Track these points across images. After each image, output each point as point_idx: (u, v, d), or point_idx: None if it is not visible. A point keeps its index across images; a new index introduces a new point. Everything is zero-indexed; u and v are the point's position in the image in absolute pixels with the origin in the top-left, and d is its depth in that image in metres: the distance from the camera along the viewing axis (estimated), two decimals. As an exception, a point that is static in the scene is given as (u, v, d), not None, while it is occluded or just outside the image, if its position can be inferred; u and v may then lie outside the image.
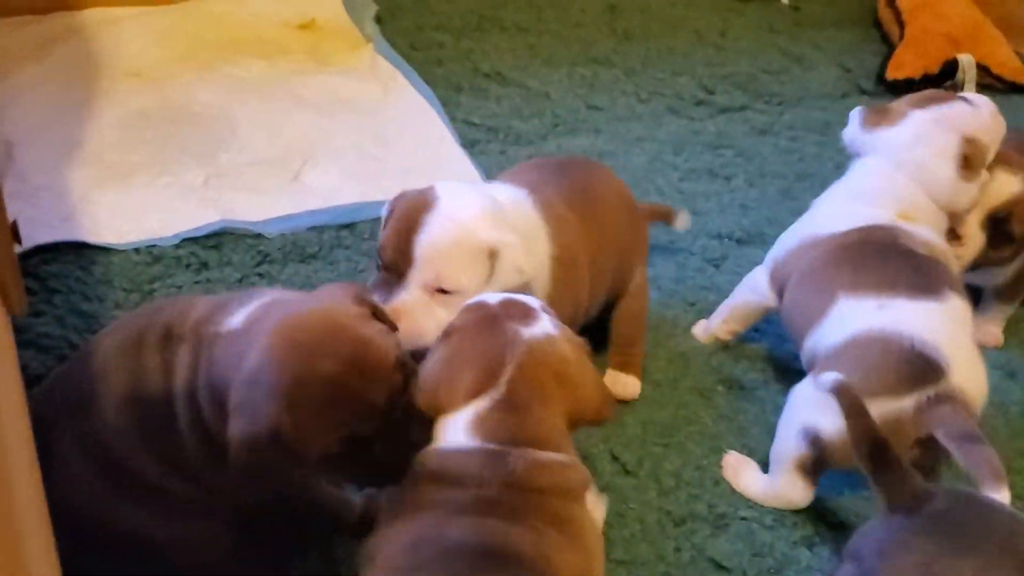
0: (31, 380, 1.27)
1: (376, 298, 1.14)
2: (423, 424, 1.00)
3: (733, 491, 1.39)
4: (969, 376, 1.26)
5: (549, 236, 1.32)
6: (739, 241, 1.91)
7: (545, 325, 1.02)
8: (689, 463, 1.42)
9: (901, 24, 2.67)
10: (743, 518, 1.35)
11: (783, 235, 1.58)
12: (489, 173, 1.97)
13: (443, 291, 1.19)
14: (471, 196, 1.25)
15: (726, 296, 1.68)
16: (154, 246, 1.64)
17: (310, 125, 2.02)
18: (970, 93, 1.59)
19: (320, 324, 0.97)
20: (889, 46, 2.73)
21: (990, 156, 1.51)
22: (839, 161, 2.16)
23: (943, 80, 2.56)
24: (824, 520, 1.36)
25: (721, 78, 2.50)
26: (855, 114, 1.58)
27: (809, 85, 2.53)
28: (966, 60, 2.55)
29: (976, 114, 1.51)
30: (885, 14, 2.82)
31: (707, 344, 1.64)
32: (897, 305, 1.32)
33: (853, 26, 2.90)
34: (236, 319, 1.01)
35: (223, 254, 1.65)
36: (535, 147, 2.12)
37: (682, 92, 2.42)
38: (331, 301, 1.02)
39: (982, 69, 2.59)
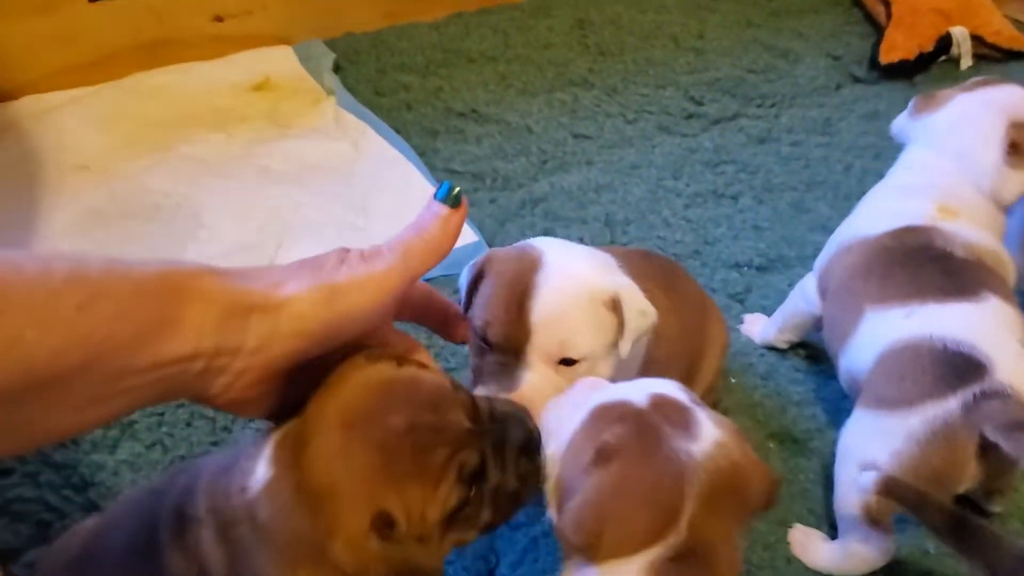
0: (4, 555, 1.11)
1: (493, 388, 1.00)
2: (522, 430, 0.86)
3: (807, 569, 1.24)
4: (1021, 372, 1.11)
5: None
6: (759, 268, 1.75)
7: (708, 428, 0.83)
8: (756, 543, 1.26)
9: (886, 3, 2.53)
10: (828, 601, 1.20)
11: (830, 238, 1.46)
12: (483, 226, 1.82)
13: (568, 361, 1.02)
14: (575, 248, 1.10)
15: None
16: (128, 368, 1.46)
17: (280, 200, 1.85)
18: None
19: (356, 390, 0.81)
20: (874, 26, 2.60)
21: None
22: (848, 162, 2.04)
23: (938, 57, 2.43)
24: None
25: (707, 85, 2.35)
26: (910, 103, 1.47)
27: (800, 80, 2.38)
28: (960, 33, 2.42)
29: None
30: (867, -8, 2.68)
31: (749, 395, 1.49)
32: (925, 311, 1.19)
33: (833, 8, 2.76)
34: (257, 473, 0.81)
35: (205, 368, 1.47)
36: (526, 189, 1.96)
37: (670, 107, 2.26)
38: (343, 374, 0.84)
39: (977, 40, 2.46)
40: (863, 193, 1.93)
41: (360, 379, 0.82)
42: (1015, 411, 1.08)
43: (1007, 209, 1.37)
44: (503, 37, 2.56)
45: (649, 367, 1.17)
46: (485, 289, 1.05)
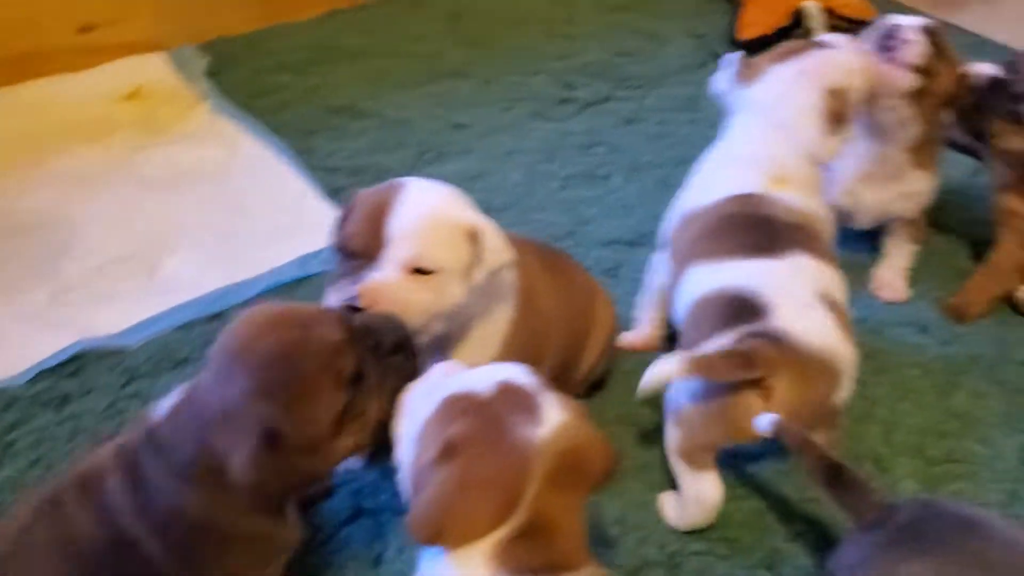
0: None
1: (343, 286, 1.08)
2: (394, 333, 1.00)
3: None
4: (801, 325, 1.19)
5: (515, 266, 1.22)
6: (630, 244, 1.84)
7: (551, 412, 0.89)
8: (631, 505, 1.34)
9: (745, -20, 2.64)
10: (695, 552, 1.28)
11: (671, 210, 1.52)
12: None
13: (421, 271, 1.08)
14: (439, 185, 1.18)
15: (630, 306, 1.62)
16: (3, 389, 1.47)
17: (158, 209, 1.85)
18: (829, 35, 1.55)
19: (239, 330, 0.94)
20: (736, 5, 2.71)
21: (860, 96, 1.49)
22: (712, 137, 2.13)
23: (794, 29, 2.55)
24: (779, 537, 1.31)
25: (578, 70, 2.42)
26: (725, 64, 1.53)
27: (667, 61, 2.47)
28: (812, 7, 2.54)
29: (836, 60, 1.46)
30: (727, -29, 2.78)
31: (621, 362, 1.56)
32: (729, 266, 1.29)
33: (699, -13, 2.87)
34: (159, 412, 0.96)
35: (84, 381, 1.48)
36: (404, 183, 2.00)
37: (543, 93, 2.33)
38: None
39: (829, 13, 2.58)
40: (728, 165, 2.06)
41: (245, 318, 0.95)
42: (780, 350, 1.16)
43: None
44: (378, 32, 2.59)
45: (527, 340, 1.24)
46: (351, 214, 1.13)
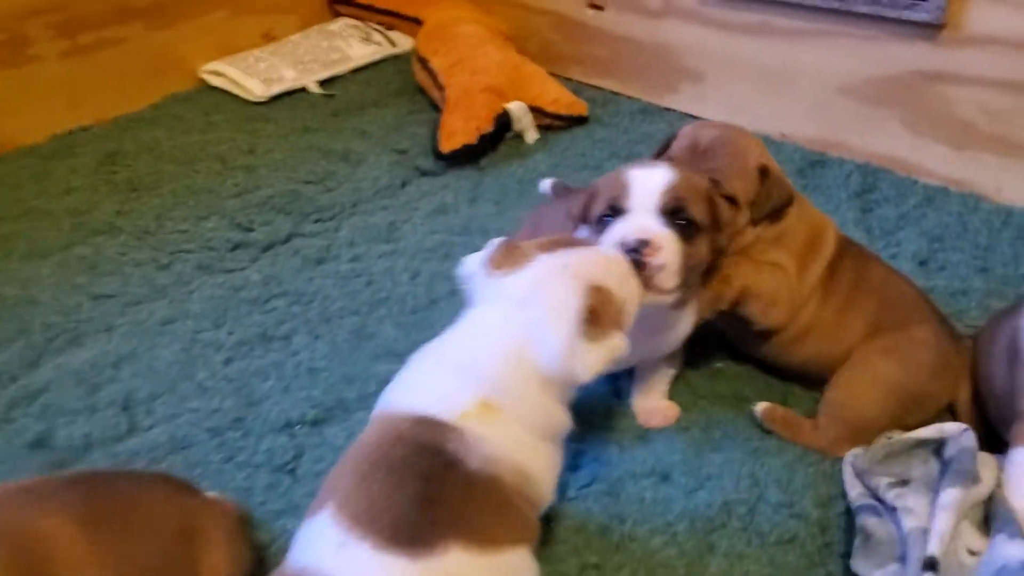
0: None
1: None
2: None
3: None
4: None
5: None
6: (315, 423, 1.46)
7: None
8: None
9: (440, 87, 2.39)
10: None
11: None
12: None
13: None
14: None
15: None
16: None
17: None
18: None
19: None
20: (440, 112, 2.45)
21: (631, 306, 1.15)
22: (414, 269, 1.82)
23: (502, 135, 2.31)
24: None
25: (258, 207, 2.05)
26: (488, 246, 1.16)
27: (361, 184, 2.15)
28: (517, 108, 2.32)
29: (606, 260, 1.16)
30: (423, 78, 2.53)
31: None
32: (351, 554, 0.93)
33: (396, 99, 2.59)
34: None
35: None
36: (20, 383, 1.54)
37: (213, 239, 1.94)
38: None
39: (537, 111, 2.38)
40: (432, 303, 1.74)
41: None
42: None
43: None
44: (12, 191, 2.12)
45: None
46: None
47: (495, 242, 1.15)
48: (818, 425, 1.37)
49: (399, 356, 1.54)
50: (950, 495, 1.10)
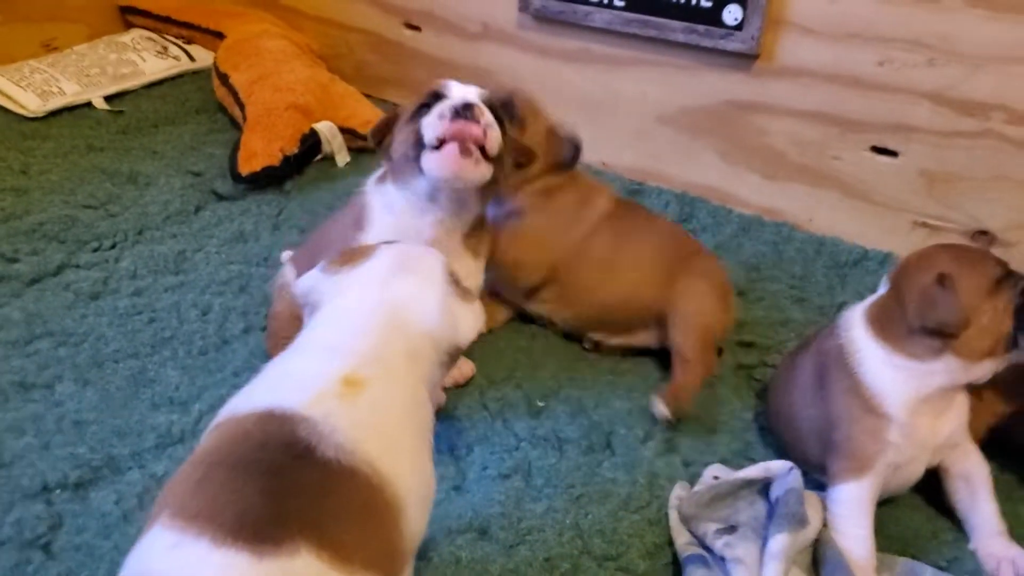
0: None
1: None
2: None
3: None
4: None
5: None
6: (79, 486, 1.26)
7: None
8: None
9: (241, 104, 2.21)
10: None
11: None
12: None
13: None
14: None
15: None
16: None
17: None
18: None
19: None
20: (242, 132, 2.27)
21: None
22: (205, 304, 1.64)
23: (311, 157, 2.16)
24: None
25: (26, 234, 1.81)
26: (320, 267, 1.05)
27: (149, 209, 1.94)
28: (326, 128, 2.18)
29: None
30: (223, 94, 2.34)
31: None
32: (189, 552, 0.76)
33: (194, 117, 2.39)
34: None
35: None
36: None
37: (-33, 273, 1.68)
38: None
39: (348, 133, 2.24)
40: (224, 343, 1.56)
41: None
42: None
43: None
44: None
45: None
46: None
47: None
48: (685, 360, 1.44)
49: (183, 404, 1.41)
50: (779, 542, 1.04)
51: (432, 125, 1.23)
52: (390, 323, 0.96)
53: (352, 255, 1.05)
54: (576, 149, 1.57)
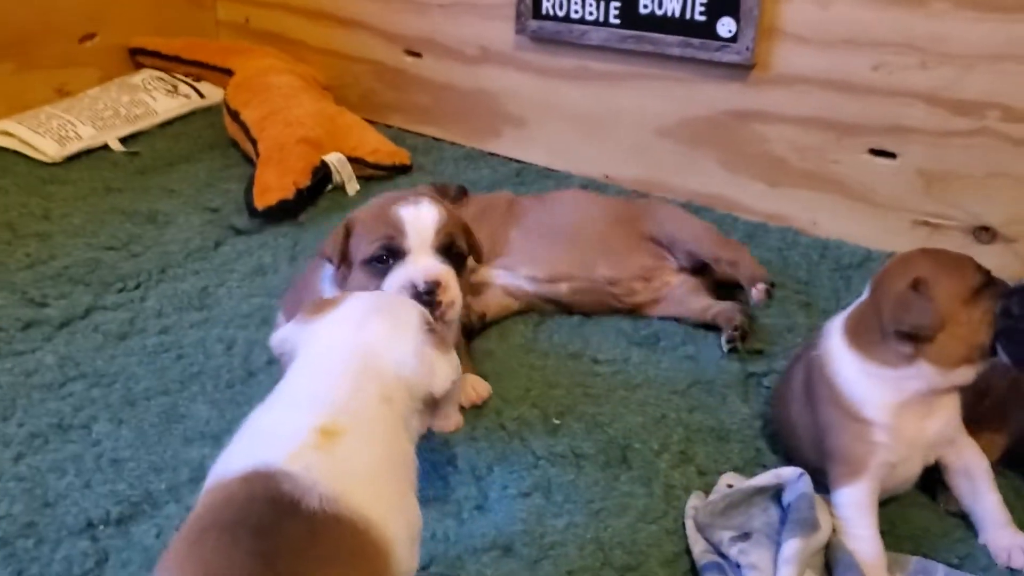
0: None
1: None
2: None
3: None
4: None
5: None
6: (120, 521, 1.31)
7: None
8: None
9: (253, 140, 2.28)
10: None
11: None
12: None
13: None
14: None
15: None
16: None
17: None
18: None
19: None
20: (254, 166, 2.33)
21: None
22: (230, 338, 1.70)
23: (322, 189, 2.22)
24: None
25: (52, 279, 1.87)
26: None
27: (170, 247, 2.01)
28: (336, 160, 2.24)
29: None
30: (234, 130, 2.41)
31: None
32: None
33: (208, 153, 2.46)
34: None
35: None
36: None
37: (0, 320, 1.75)
38: None
39: (357, 162, 2.30)
40: (250, 375, 1.62)
41: None
42: None
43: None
44: None
45: None
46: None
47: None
48: (721, 262, 1.72)
49: (214, 438, 1.46)
50: (792, 547, 1.08)
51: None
52: (363, 368, 0.97)
53: (325, 304, 1.07)
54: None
